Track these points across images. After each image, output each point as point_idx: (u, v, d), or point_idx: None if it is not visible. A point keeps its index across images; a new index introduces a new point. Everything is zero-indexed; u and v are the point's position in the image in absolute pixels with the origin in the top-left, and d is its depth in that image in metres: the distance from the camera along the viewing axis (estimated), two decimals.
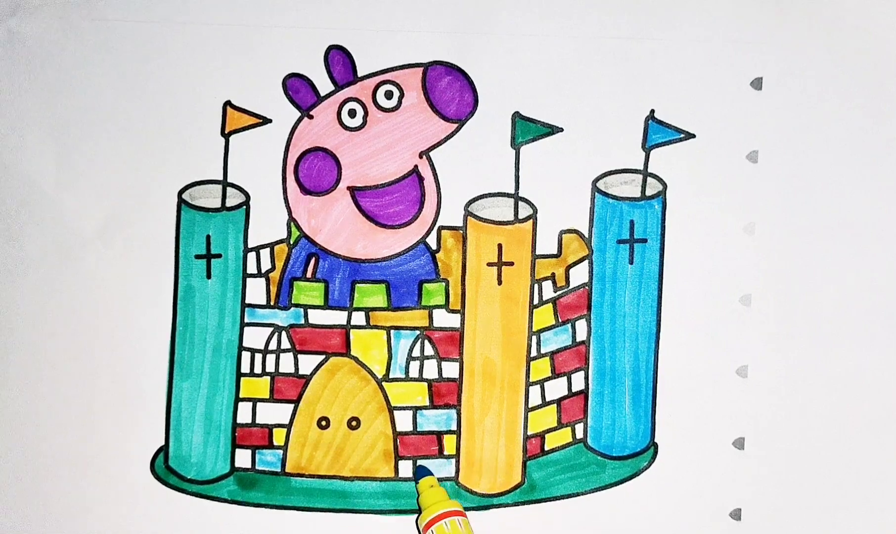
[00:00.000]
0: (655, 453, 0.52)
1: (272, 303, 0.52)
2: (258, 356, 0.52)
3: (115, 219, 0.51)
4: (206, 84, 0.50)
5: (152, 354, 0.51)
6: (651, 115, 0.51)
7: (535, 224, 0.51)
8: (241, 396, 0.52)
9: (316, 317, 0.52)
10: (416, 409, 0.52)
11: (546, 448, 0.53)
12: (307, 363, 0.52)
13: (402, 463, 0.52)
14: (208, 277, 0.51)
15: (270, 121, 0.51)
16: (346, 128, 0.51)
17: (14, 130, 0.50)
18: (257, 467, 0.52)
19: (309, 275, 0.52)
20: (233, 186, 0.51)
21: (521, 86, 0.51)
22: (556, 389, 0.53)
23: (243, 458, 0.52)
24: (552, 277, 0.52)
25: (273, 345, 0.52)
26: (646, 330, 0.52)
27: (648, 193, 0.51)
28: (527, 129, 0.51)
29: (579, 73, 0.51)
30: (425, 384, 0.52)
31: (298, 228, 0.51)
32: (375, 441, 0.52)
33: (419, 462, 0.52)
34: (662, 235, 0.52)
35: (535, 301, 0.52)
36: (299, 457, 0.52)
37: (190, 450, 0.52)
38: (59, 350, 0.51)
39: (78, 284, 0.51)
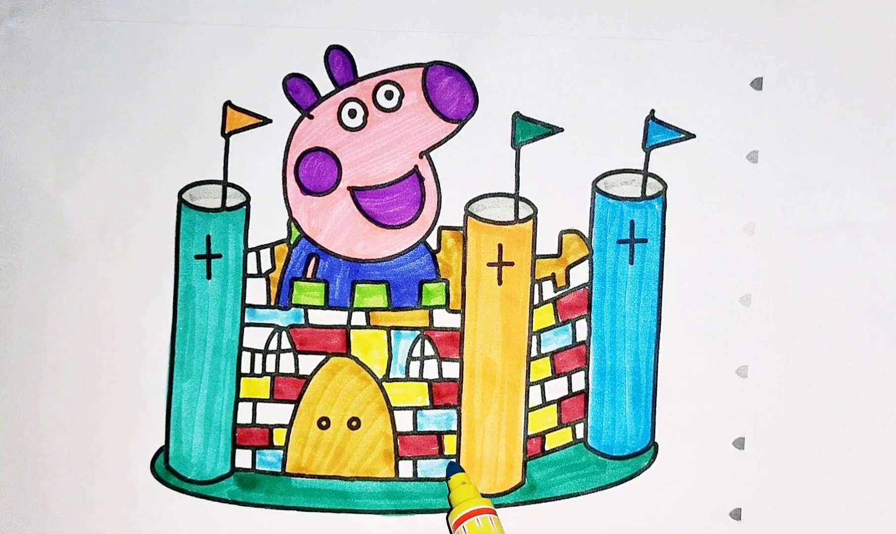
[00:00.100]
0: (655, 452, 0.53)
1: (272, 303, 0.52)
2: (258, 356, 0.52)
3: (115, 219, 0.51)
4: (206, 84, 0.50)
5: (152, 354, 0.51)
6: (651, 116, 0.51)
7: (535, 224, 0.51)
8: (241, 396, 0.52)
9: (316, 317, 0.52)
10: (416, 409, 0.52)
11: (546, 448, 0.53)
12: (307, 363, 0.52)
13: (402, 463, 0.52)
14: (208, 277, 0.51)
15: (271, 121, 0.51)
16: (346, 128, 0.51)
17: (14, 130, 0.50)
18: (257, 468, 0.52)
19: (309, 275, 0.52)
20: (233, 186, 0.51)
21: (521, 86, 0.51)
22: (557, 389, 0.53)
23: (243, 458, 0.52)
24: (552, 277, 0.52)
25: (273, 345, 0.52)
26: (646, 330, 0.52)
27: (649, 193, 0.51)
28: (527, 129, 0.51)
29: (579, 73, 0.51)
30: (425, 384, 0.52)
31: (299, 228, 0.51)
32: (376, 441, 0.52)
33: (451, 461, 0.52)
34: (662, 235, 0.52)
35: (536, 301, 0.52)
36: (299, 457, 0.52)
37: (190, 450, 0.52)
38: (58, 350, 0.51)
39: (78, 285, 0.51)
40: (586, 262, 0.52)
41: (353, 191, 0.51)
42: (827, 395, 0.52)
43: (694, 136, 0.51)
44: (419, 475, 0.52)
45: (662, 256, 0.52)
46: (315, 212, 0.51)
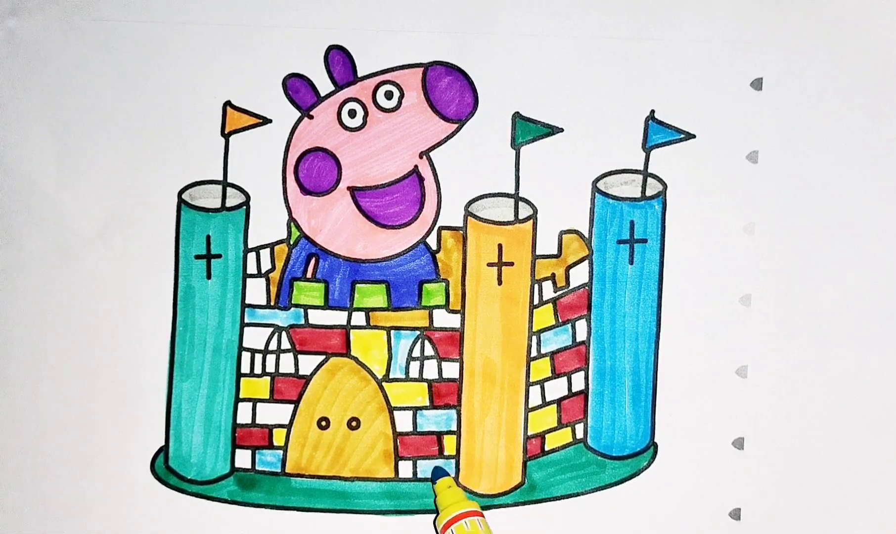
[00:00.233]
0: (655, 453, 0.52)
1: (272, 303, 0.52)
2: (258, 356, 0.52)
3: (115, 219, 0.51)
4: (206, 84, 0.50)
5: (152, 354, 0.51)
6: (651, 116, 0.51)
7: (535, 224, 0.51)
8: (241, 396, 0.52)
9: (316, 317, 0.52)
10: (416, 409, 0.52)
11: (546, 448, 0.53)
12: (307, 363, 0.52)
13: (402, 463, 0.52)
14: (208, 277, 0.51)
15: (270, 121, 0.51)
16: (346, 128, 0.51)
17: (14, 130, 0.50)
18: (257, 468, 0.52)
19: (309, 275, 0.52)
20: (233, 186, 0.51)
21: (521, 86, 0.51)
22: (557, 389, 0.53)
23: (243, 458, 0.52)
24: (552, 278, 0.52)
25: (273, 345, 0.52)
26: (646, 330, 0.52)
27: (648, 193, 0.51)
28: (527, 130, 0.51)
29: (579, 73, 0.51)
30: (425, 385, 0.52)
31: (298, 228, 0.51)
32: (375, 441, 0.52)
33: (435, 464, 0.52)
34: (662, 235, 0.52)
35: (536, 301, 0.52)
36: (299, 457, 0.52)
37: (190, 450, 0.52)
38: (59, 350, 0.51)
39: (78, 284, 0.51)
40: (586, 262, 0.52)
41: (353, 191, 0.51)
42: (827, 395, 0.52)
43: (694, 136, 0.51)
44: (419, 476, 0.52)
45: (662, 256, 0.52)
46: (315, 212, 0.51)
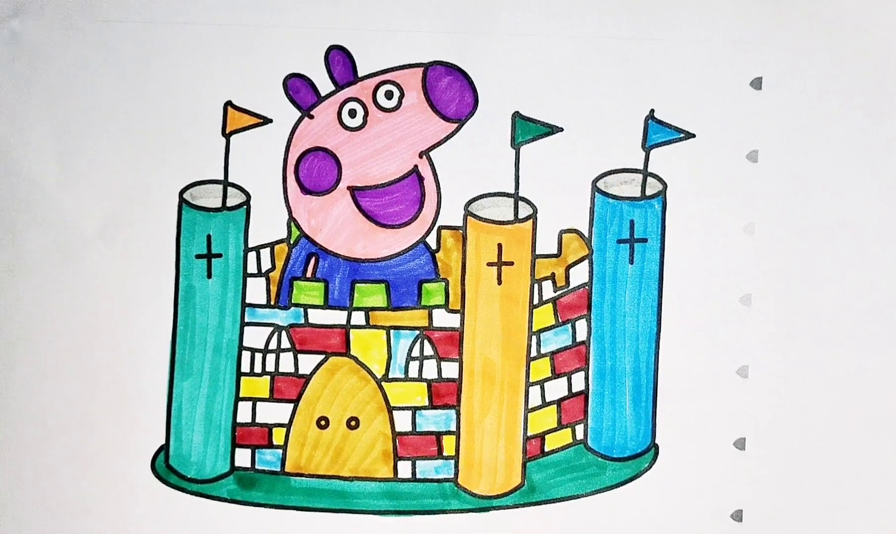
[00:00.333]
0: (656, 454, 0.52)
1: (272, 302, 0.52)
2: (258, 356, 0.52)
3: (116, 218, 0.51)
4: (206, 84, 0.50)
5: (153, 353, 0.51)
6: (651, 115, 0.51)
7: (535, 224, 0.51)
8: (241, 395, 0.52)
9: (316, 317, 0.52)
10: (415, 409, 0.52)
11: (546, 449, 0.53)
12: (307, 363, 0.52)
13: (401, 463, 0.52)
14: (209, 276, 0.51)
15: (271, 121, 0.51)
16: (346, 128, 0.51)
17: (16, 130, 0.51)
18: (257, 467, 0.52)
19: (309, 274, 0.52)
20: (233, 185, 0.51)
21: (521, 86, 0.51)
22: (557, 389, 0.53)
23: (243, 457, 0.52)
24: (552, 277, 0.52)
25: (273, 344, 0.52)
26: (646, 330, 0.52)
27: (648, 192, 0.51)
28: (527, 129, 0.51)
29: (579, 73, 0.51)
30: (425, 384, 0.52)
31: (298, 227, 0.51)
32: (375, 441, 0.52)
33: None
34: (662, 234, 0.51)
35: (535, 301, 0.52)
36: (299, 457, 0.52)
37: (190, 449, 0.52)
38: (59, 349, 0.51)
39: (79, 284, 0.51)
40: (586, 261, 0.52)
41: (353, 190, 0.51)
42: (827, 395, 0.52)
43: (694, 135, 0.51)
44: (418, 476, 0.52)
45: (662, 255, 0.52)
46: (315, 211, 0.51)
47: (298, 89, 0.51)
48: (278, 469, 0.52)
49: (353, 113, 0.51)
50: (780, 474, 0.52)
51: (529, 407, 0.52)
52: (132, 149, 0.51)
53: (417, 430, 0.52)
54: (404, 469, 0.52)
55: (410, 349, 0.52)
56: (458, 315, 0.52)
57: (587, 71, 0.51)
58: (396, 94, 0.51)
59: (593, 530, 0.52)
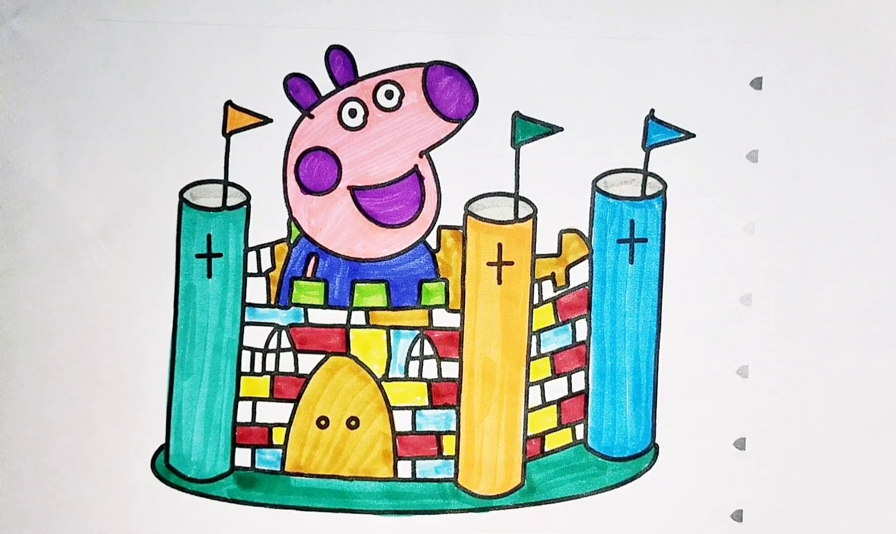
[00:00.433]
0: (656, 454, 0.52)
1: (272, 302, 0.52)
2: (258, 355, 0.52)
3: (116, 218, 0.51)
4: (206, 84, 0.50)
5: (153, 352, 0.51)
6: (651, 115, 0.51)
7: (535, 224, 0.51)
8: (241, 395, 0.52)
9: (316, 316, 0.52)
10: (415, 409, 0.52)
11: (546, 449, 0.53)
12: (307, 363, 0.52)
13: (400, 463, 0.52)
14: (209, 276, 0.51)
15: (271, 120, 0.51)
16: (346, 127, 0.51)
17: (16, 130, 0.51)
18: (257, 467, 0.52)
19: (309, 274, 0.52)
20: (233, 185, 0.51)
21: (521, 86, 0.51)
22: (556, 389, 0.53)
23: (243, 457, 0.52)
24: (552, 277, 0.52)
25: (273, 344, 0.52)
26: (646, 330, 0.52)
27: (648, 192, 0.51)
28: (527, 129, 0.51)
29: (579, 73, 0.51)
30: (425, 384, 0.52)
31: (299, 227, 0.51)
32: (374, 441, 0.52)
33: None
34: (663, 234, 0.51)
35: (535, 301, 0.52)
36: (298, 456, 0.52)
37: (190, 449, 0.52)
38: (60, 349, 0.51)
39: (79, 284, 0.51)
40: (586, 261, 0.52)
41: (353, 190, 0.51)
42: (827, 395, 0.52)
43: (694, 135, 0.51)
44: (418, 476, 0.52)
45: (662, 255, 0.52)
46: (315, 211, 0.51)
47: (298, 89, 0.51)
48: (278, 469, 0.52)
49: (353, 113, 0.51)
50: (780, 474, 0.52)
51: (529, 407, 0.52)
52: (132, 149, 0.51)
53: (417, 430, 0.52)
54: (404, 469, 0.52)
55: (410, 349, 0.52)
56: (458, 315, 0.52)
57: (587, 71, 0.51)
58: (396, 93, 0.51)
59: (593, 530, 0.52)
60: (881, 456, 0.52)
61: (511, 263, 0.51)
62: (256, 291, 0.52)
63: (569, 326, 0.52)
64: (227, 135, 0.51)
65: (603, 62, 0.51)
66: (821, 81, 0.51)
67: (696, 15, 0.51)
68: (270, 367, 0.52)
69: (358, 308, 0.52)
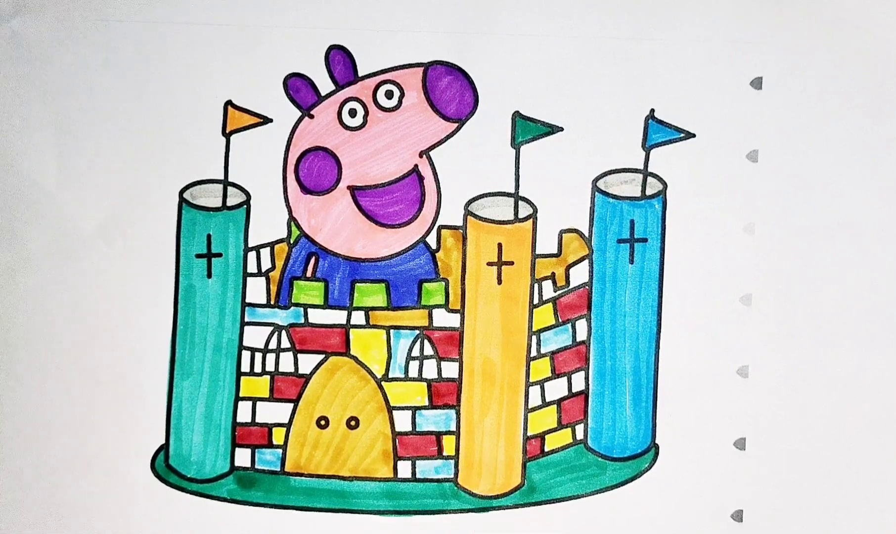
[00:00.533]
0: (656, 455, 0.52)
1: (272, 302, 0.52)
2: (258, 355, 0.52)
3: (116, 218, 0.51)
4: (206, 84, 0.50)
5: (153, 352, 0.51)
6: (651, 115, 0.51)
7: (535, 223, 0.51)
8: (241, 395, 0.52)
9: (316, 316, 0.52)
10: (415, 409, 0.52)
11: (546, 449, 0.53)
12: (307, 363, 0.52)
13: (400, 463, 0.52)
14: (209, 276, 0.51)
15: (271, 120, 0.51)
16: (346, 127, 0.51)
17: (16, 130, 0.51)
18: (257, 467, 0.52)
19: (309, 274, 0.52)
20: (233, 185, 0.51)
21: (521, 86, 0.51)
22: (557, 389, 0.53)
23: (243, 457, 0.52)
24: (552, 277, 0.52)
25: (273, 344, 0.52)
26: (646, 330, 0.52)
27: (648, 192, 0.51)
28: (527, 129, 0.51)
29: (579, 73, 0.51)
30: (424, 384, 0.52)
31: (298, 227, 0.51)
32: (374, 441, 0.52)
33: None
34: (663, 234, 0.51)
35: (535, 301, 0.52)
36: (298, 456, 0.52)
37: (190, 449, 0.52)
38: (59, 349, 0.51)
39: (79, 284, 0.51)
40: (586, 261, 0.52)
41: (353, 190, 0.51)
42: (827, 395, 0.52)
43: (694, 135, 0.51)
44: (417, 476, 0.52)
45: (662, 255, 0.52)
46: (315, 211, 0.51)
47: (298, 89, 0.51)
48: (278, 469, 0.52)
49: (353, 112, 0.51)
50: (780, 474, 0.52)
51: (529, 407, 0.52)
52: (132, 149, 0.51)
53: (417, 430, 0.52)
54: (404, 469, 0.52)
55: (410, 349, 0.52)
56: (458, 315, 0.52)
57: (587, 71, 0.51)
58: (396, 93, 0.51)
59: (593, 530, 0.52)
60: (881, 456, 0.52)
61: (511, 263, 0.51)
62: (256, 291, 0.52)
63: (569, 326, 0.52)
64: (227, 135, 0.51)
65: (603, 62, 0.51)
66: (821, 81, 0.51)
67: (696, 15, 0.51)
68: (270, 367, 0.52)
69: (358, 308, 0.52)
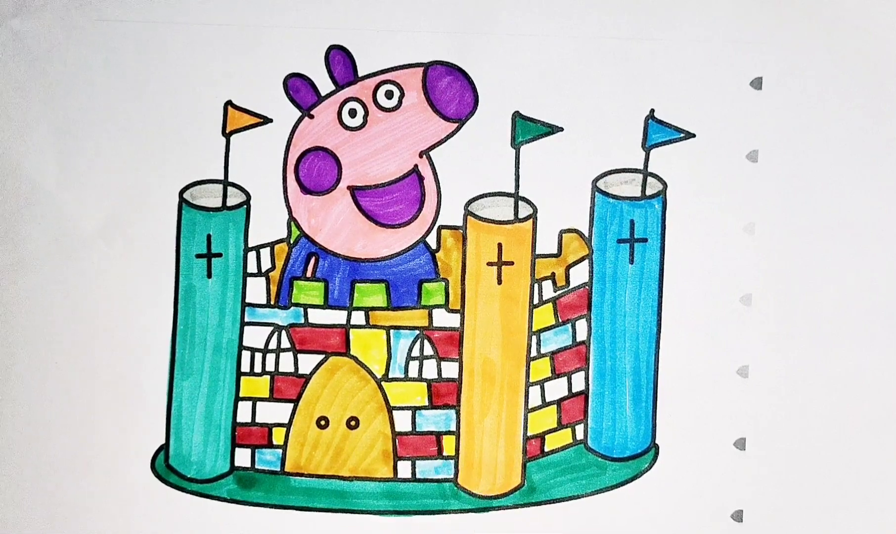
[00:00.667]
0: (656, 455, 0.52)
1: (272, 302, 0.52)
2: (258, 355, 0.52)
3: (116, 218, 0.51)
4: (206, 84, 0.51)
5: (153, 353, 0.51)
6: (651, 115, 0.51)
7: (535, 223, 0.51)
8: (240, 395, 0.52)
9: (316, 316, 0.52)
10: (415, 409, 0.52)
11: (546, 449, 0.53)
12: (307, 363, 0.52)
13: (400, 463, 0.52)
14: (209, 276, 0.51)
15: (271, 120, 0.51)
16: (346, 127, 0.51)
17: (16, 130, 0.51)
18: (257, 467, 0.52)
19: (309, 274, 0.52)
20: (233, 185, 0.51)
21: (521, 86, 0.51)
22: (556, 389, 0.53)
23: (243, 457, 0.52)
24: (552, 277, 0.52)
25: (273, 344, 0.52)
26: (646, 330, 0.52)
27: (648, 192, 0.51)
28: (527, 129, 0.51)
29: (579, 73, 0.51)
30: (424, 384, 0.52)
31: (298, 227, 0.51)
32: (374, 441, 0.52)
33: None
34: (663, 234, 0.51)
35: (535, 301, 0.52)
36: (298, 456, 0.52)
37: (190, 449, 0.52)
38: (60, 349, 0.51)
39: (79, 284, 0.51)
40: (586, 261, 0.52)
41: (353, 190, 0.51)
42: (827, 395, 0.52)
43: (694, 135, 0.51)
44: (418, 476, 0.52)
45: (662, 255, 0.52)
46: (315, 211, 0.51)
47: (298, 89, 0.51)
48: (278, 469, 0.52)
49: (353, 113, 0.51)
50: (780, 474, 0.52)
51: (529, 407, 0.52)
52: (132, 149, 0.51)
53: (417, 430, 0.52)
54: (404, 469, 0.52)
55: (410, 349, 0.52)
56: (458, 315, 0.52)
57: (587, 71, 0.51)
58: (396, 93, 0.51)
59: (593, 531, 0.52)
60: (881, 456, 0.52)
61: (511, 263, 0.51)
62: (256, 291, 0.52)
63: (569, 326, 0.52)
64: (227, 135, 0.51)
65: (603, 62, 0.51)
66: (821, 81, 0.51)
67: (696, 15, 0.51)
68: (270, 367, 0.52)
69: (358, 308, 0.52)
